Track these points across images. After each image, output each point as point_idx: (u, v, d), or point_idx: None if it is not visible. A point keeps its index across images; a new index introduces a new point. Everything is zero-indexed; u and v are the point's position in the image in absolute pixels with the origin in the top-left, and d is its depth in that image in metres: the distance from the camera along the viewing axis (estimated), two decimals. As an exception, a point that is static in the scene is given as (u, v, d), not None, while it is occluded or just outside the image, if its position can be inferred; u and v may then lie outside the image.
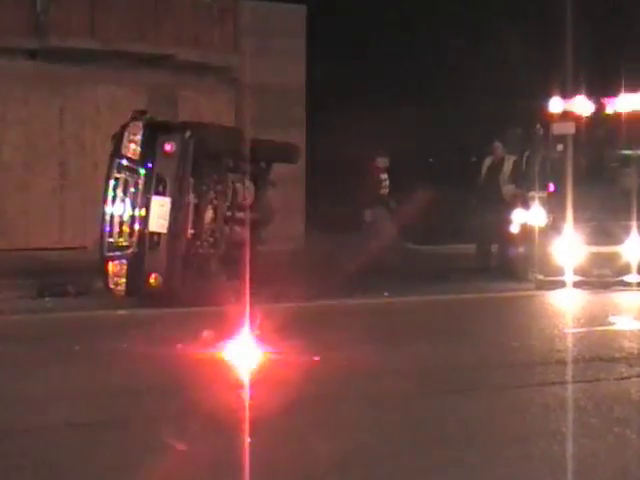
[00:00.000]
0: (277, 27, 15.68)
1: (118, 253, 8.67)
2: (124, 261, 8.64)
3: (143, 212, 8.65)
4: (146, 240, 8.63)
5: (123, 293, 8.70)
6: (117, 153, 8.83)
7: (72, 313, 8.39)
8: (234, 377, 5.63)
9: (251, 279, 9.29)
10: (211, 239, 9.03)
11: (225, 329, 7.12)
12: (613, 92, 10.96)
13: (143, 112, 9.24)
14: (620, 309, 9.24)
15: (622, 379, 5.72)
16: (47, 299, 9.15)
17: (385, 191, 12.92)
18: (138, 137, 8.76)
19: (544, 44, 17.78)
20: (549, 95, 10.97)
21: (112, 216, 8.76)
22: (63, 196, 14.26)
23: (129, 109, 13.66)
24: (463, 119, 20.33)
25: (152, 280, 8.55)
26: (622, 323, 8.07)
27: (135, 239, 8.64)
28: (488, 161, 12.34)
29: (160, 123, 9.40)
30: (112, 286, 8.70)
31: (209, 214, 9.04)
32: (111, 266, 8.67)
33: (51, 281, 9.72)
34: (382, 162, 13.06)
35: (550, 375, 5.76)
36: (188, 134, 8.77)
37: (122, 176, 8.75)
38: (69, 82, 14.11)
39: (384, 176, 12.98)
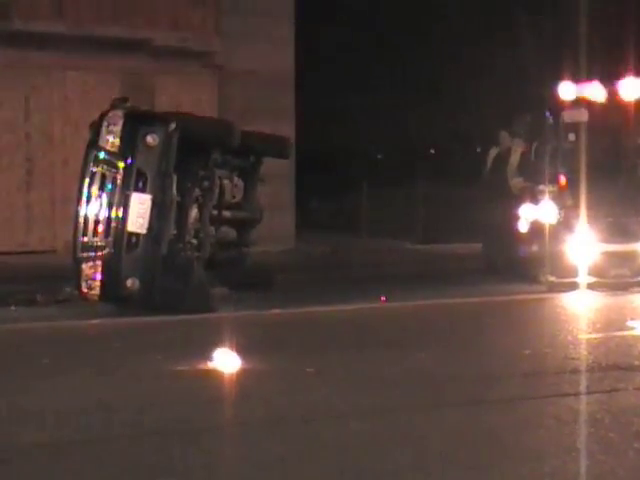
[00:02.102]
0: (263, 8, 15.67)
1: (92, 254, 8.61)
2: (99, 263, 8.59)
3: (121, 210, 8.59)
4: (123, 241, 8.58)
5: (97, 298, 8.65)
6: (94, 144, 8.75)
7: (40, 323, 8.35)
8: (217, 391, 5.61)
9: (238, 284, 9.28)
10: (195, 240, 8.99)
11: (209, 339, 7.09)
12: (629, 76, 10.97)
13: (124, 99, 9.16)
14: (639, 313, 9.25)
15: (642, 389, 5.73)
16: (13, 308, 9.11)
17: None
18: (118, 127, 8.68)
19: (555, 24, 17.84)
20: (560, 80, 10.97)
21: (87, 213, 8.70)
22: (30, 195, 14.22)
23: (101, 98, 13.65)
24: (466, 106, 20.35)
25: (129, 284, 8.51)
26: (642, 328, 8.07)
27: (111, 239, 8.59)
28: (494, 152, 12.34)
29: (142, 113, 9.34)
30: (85, 290, 8.63)
31: (193, 213, 8.99)
32: (84, 268, 8.61)
33: (17, 288, 9.68)
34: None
35: (564, 385, 5.77)
36: (173, 126, 8.71)
37: (99, 170, 8.68)
38: (35, 69, 14.06)
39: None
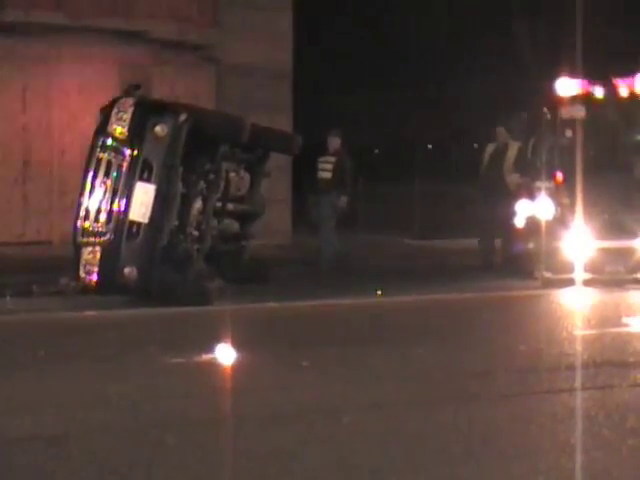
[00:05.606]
0: (261, 1, 15.64)
1: (92, 239, 8.59)
2: (98, 249, 8.57)
3: (124, 198, 8.55)
4: (125, 229, 8.55)
5: (94, 284, 8.63)
6: (103, 130, 8.70)
7: (36, 314, 8.34)
8: (213, 385, 5.61)
9: (235, 277, 9.28)
10: (196, 233, 8.97)
11: (205, 332, 7.10)
12: (627, 72, 10.97)
13: (137, 87, 9.11)
14: (634, 309, 9.27)
15: (636, 386, 5.75)
16: (9, 299, 9.10)
17: (323, 175, 11.89)
18: (127, 115, 8.62)
19: (553, 20, 17.82)
20: (557, 76, 10.97)
21: (90, 199, 8.66)
22: (27, 186, 14.20)
23: (99, 90, 13.60)
24: (464, 102, 20.36)
25: (126, 273, 8.49)
26: (636, 324, 8.10)
27: (113, 226, 8.57)
28: (490, 148, 12.33)
29: (153, 102, 9.29)
30: (83, 275, 8.61)
31: (197, 205, 8.97)
32: (84, 253, 8.59)
33: (13, 279, 9.66)
34: (331, 142, 12.00)
35: (558, 381, 5.78)
36: (183, 117, 8.66)
37: (105, 156, 8.65)
38: (33, 60, 14.02)
39: (328, 158, 11.88)
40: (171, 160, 8.63)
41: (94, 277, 8.58)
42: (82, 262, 8.59)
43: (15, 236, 13.94)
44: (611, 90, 10.89)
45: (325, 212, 11.83)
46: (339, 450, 4.42)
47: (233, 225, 9.55)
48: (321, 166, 12.03)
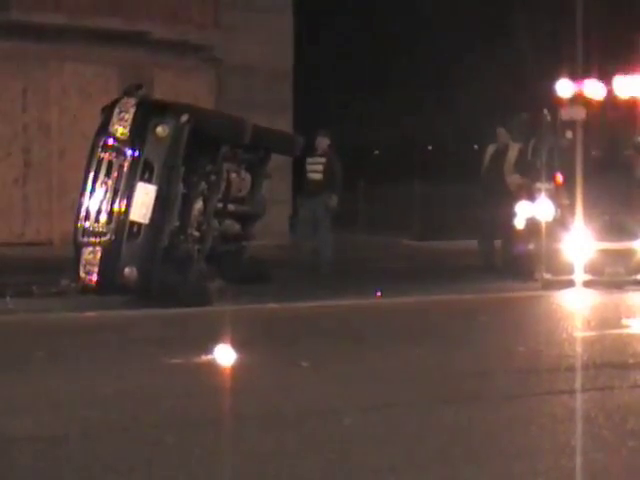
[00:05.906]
0: (262, 2, 15.67)
1: (93, 239, 8.60)
2: (99, 249, 8.58)
3: (125, 198, 8.55)
4: (125, 229, 8.56)
5: (94, 284, 8.63)
6: (104, 130, 8.71)
7: (36, 315, 8.35)
8: (213, 385, 5.62)
9: (235, 278, 9.29)
10: (197, 233, 8.98)
11: (205, 332, 7.11)
12: (627, 74, 10.97)
13: (139, 87, 9.12)
14: (634, 311, 9.28)
15: (636, 387, 5.75)
16: (8, 299, 9.11)
17: (314, 177, 11.75)
18: (129, 116, 8.63)
19: (553, 21, 17.83)
20: (557, 77, 10.98)
21: (91, 199, 8.66)
22: (27, 186, 14.22)
23: (99, 90, 13.63)
24: (464, 103, 20.35)
25: (127, 273, 8.49)
26: (636, 326, 8.11)
27: (113, 226, 8.57)
28: (491, 149, 12.35)
29: (155, 103, 9.29)
30: (83, 275, 8.61)
31: (198, 206, 8.98)
32: (84, 252, 8.59)
33: (13, 279, 9.67)
34: (320, 142, 11.81)
35: (558, 383, 5.79)
36: (185, 118, 8.66)
37: (107, 157, 8.65)
38: (33, 61, 14.05)
39: (318, 159, 11.68)
40: (172, 161, 8.63)
41: (94, 277, 8.59)
42: (82, 262, 8.60)
43: (15, 236, 13.97)
44: (611, 91, 10.90)
45: (319, 213, 11.80)
46: (339, 450, 4.43)
47: (234, 226, 9.57)
48: (311, 167, 11.92)
